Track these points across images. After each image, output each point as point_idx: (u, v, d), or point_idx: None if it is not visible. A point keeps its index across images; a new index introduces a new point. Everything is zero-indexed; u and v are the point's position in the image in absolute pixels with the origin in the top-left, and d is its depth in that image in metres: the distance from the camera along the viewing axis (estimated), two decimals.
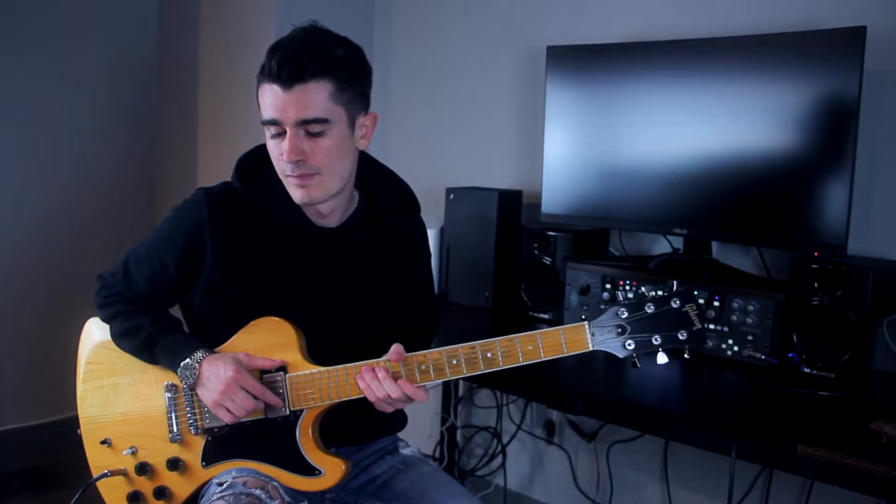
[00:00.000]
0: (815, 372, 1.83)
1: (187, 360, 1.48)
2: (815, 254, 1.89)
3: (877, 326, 1.73)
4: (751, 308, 1.93)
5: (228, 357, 1.47)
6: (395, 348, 1.44)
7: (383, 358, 1.45)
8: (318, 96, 1.42)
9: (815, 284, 1.82)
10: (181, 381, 1.50)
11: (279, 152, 1.45)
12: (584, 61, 2.33)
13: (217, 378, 1.45)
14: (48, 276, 3.10)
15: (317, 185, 1.46)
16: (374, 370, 1.44)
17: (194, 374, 1.47)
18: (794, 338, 1.86)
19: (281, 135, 1.44)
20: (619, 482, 2.55)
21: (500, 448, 2.77)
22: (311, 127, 1.42)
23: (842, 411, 1.65)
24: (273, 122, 1.43)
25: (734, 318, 1.95)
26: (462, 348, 1.42)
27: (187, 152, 3.19)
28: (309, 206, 1.51)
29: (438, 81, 2.95)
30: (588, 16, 2.55)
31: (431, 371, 1.44)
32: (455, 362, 1.42)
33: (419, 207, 1.69)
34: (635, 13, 2.44)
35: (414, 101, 2.97)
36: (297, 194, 1.47)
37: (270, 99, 1.42)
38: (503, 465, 2.75)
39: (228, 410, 1.46)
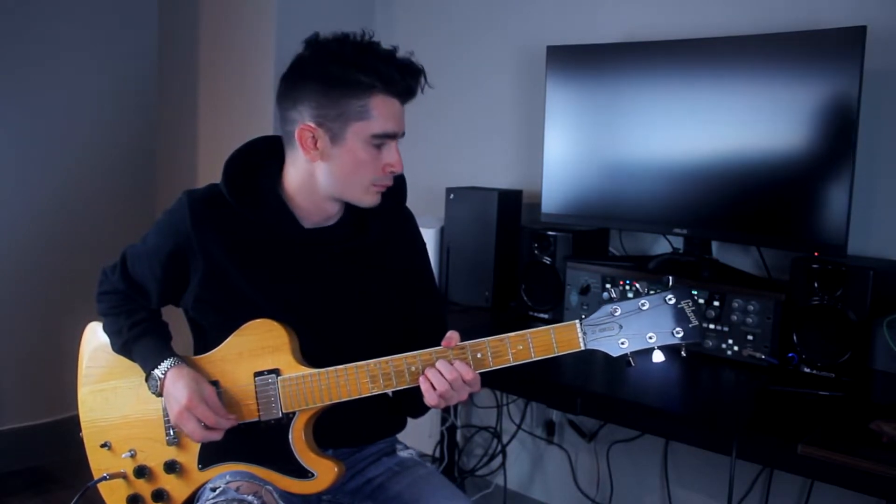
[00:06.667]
0: (815, 372, 1.83)
1: (154, 370, 1.49)
2: (815, 254, 1.89)
3: (877, 326, 1.73)
4: (751, 308, 1.93)
5: (190, 380, 1.46)
6: (450, 334, 1.40)
7: (437, 348, 1.40)
8: None
9: (815, 284, 1.82)
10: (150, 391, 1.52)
11: (389, 161, 1.48)
12: (584, 61, 2.33)
13: (175, 400, 1.46)
14: (48, 276, 3.10)
15: None
16: (434, 366, 1.39)
17: (157, 386, 1.49)
18: (794, 338, 1.85)
19: (382, 146, 1.47)
20: (619, 482, 2.55)
21: (500, 448, 2.77)
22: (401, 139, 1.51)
23: (842, 411, 1.65)
24: (393, 136, 1.47)
25: (734, 318, 1.95)
26: (452, 349, 1.39)
27: (187, 151, 3.18)
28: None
29: (438, 82, 2.93)
30: (588, 16, 2.55)
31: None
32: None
33: (404, 193, 1.64)
34: (635, 13, 2.44)
35: (414, 100, 2.96)
36: (376, 199, 1.51)
37: (392, 112, 1.47)
38: (503, 464, 2.75)
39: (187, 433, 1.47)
